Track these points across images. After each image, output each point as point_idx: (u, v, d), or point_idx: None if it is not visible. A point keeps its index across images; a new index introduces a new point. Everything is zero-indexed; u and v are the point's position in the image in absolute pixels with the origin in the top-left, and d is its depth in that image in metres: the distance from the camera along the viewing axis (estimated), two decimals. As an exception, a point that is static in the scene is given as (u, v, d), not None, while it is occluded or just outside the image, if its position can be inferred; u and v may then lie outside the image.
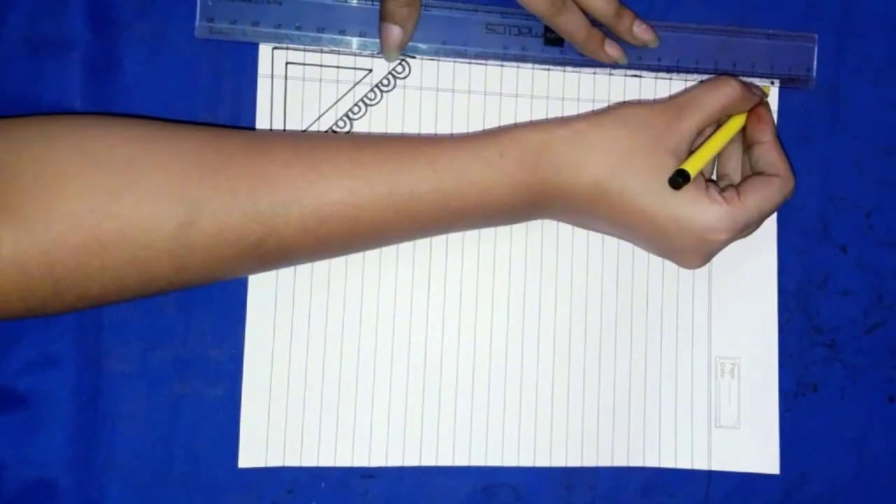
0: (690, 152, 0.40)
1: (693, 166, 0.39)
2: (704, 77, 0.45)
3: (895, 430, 0.46)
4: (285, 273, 0.42)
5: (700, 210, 0.39)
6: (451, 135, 0.44)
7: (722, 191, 0.40)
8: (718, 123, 0.42)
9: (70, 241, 0.34)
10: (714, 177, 0.44)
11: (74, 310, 0.37)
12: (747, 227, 0.40)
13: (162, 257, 0.35)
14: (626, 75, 0.45)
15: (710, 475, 0.45)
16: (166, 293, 0.38)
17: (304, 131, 0.43)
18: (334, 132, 0.43)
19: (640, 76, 0.45)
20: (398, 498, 0.43)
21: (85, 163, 0.34)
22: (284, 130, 0.43)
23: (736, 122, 0.42)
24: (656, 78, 0.45)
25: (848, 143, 0.46)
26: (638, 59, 0.44)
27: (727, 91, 0.41)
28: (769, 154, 0.42)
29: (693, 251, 0.40)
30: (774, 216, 0.45)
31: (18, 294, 0.34)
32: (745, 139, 0.43)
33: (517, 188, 0.39)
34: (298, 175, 0.37)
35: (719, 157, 0.43)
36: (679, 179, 0.38)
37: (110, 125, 0.37)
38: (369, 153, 0.38)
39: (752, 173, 0.42)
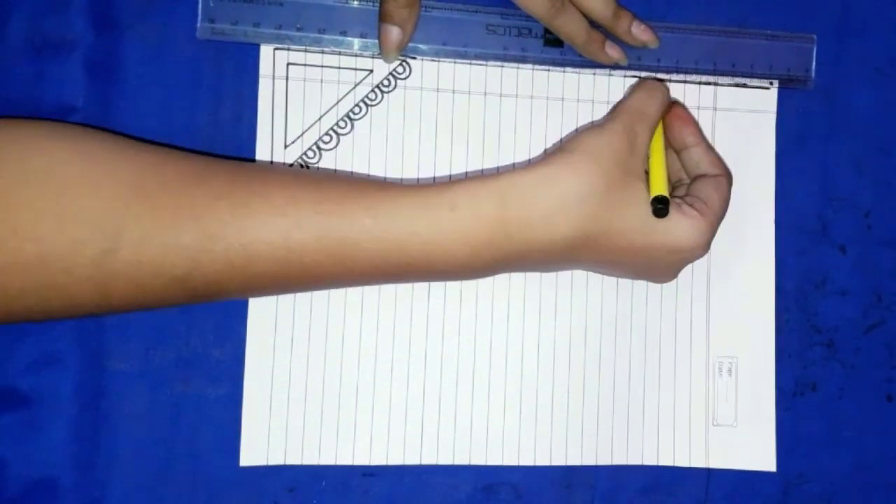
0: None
1: (663, 188, 0.38)
2: (703, 77, 0.45)
3: (893, 429, 0.46)
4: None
5: (684, 229, 0.38)
6: (403, 181, 0.43)
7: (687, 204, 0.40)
8: None
9: None
10: None
11: (5, 324, 0.36)
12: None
13: (83, 284, 0.34)
14: (625, 76, 0.45)
15: (709, 474, 0.45)
16: (99, 316, 0.37)
17: (256, 162, 0.42)
18: (335, 133, 0.43)
19: (640, 77, 0.45)
20: (399, 497, 0.43)
21: (19, 177, 0.33)
22: (239, 160, 0.42)
23: (659, 128, 0.42)
24: (656, 79, 0.45)
25: (847, 143, 0.47)
26: (637, 60, 0.44)
27: (661, 97, 0.41)
28: (708, 155, 0.42)
29: (673, 270, 0.41)
30: (772, 216, 0.46)
31: None
32: (672, 143, 0.43)
33: (475, 246, 0.36)
34: (227, 209, 0.35)
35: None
36: (661, 206, 0.37)
37: (62, 139, 0.35)
38: (308, 192, 0.36)
39: (693, 177, 0.42)
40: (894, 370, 0.46)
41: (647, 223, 0.38)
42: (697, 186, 0.41)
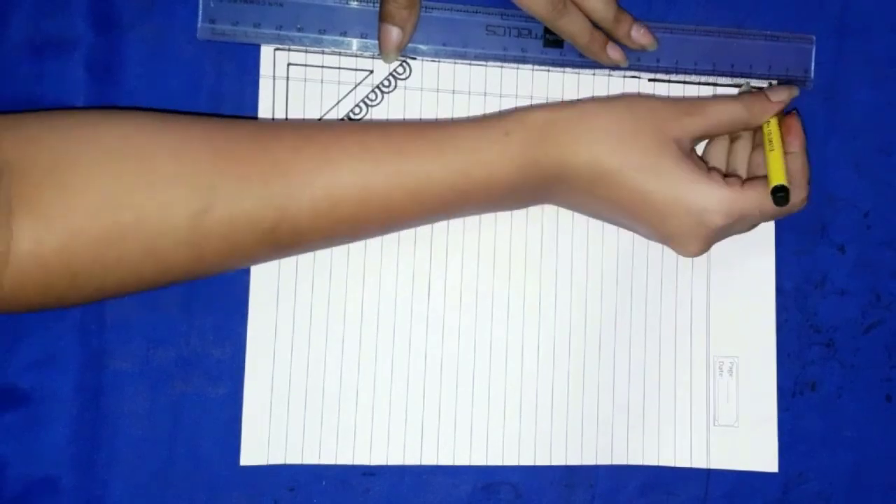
0: (702, 159, 0.42)
1: (781, 177, 0.40)
2: (703, 77, 0.45)
3: (893, 428, 0.46)
4: (287, 271, 0.43)
5: (699, 189, 0.39)
6: (454, 119, 0.44)
7: (726, 177, 0.41)
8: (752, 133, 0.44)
9: (87, 233, 0.34)
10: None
11: (91, 301, 0.37)
12: (745, 219, 0.40)
13: (179, 246, 0.35)
14: (624, 76, 0.45)
15: (709, 474, 0.45)
16: (181, 283, 0.38)
17: (309, 120, 0.43)
18: None
19: (639, 77, 0.45)
20: (399, 496, 0.43)
21: (98, 154, 0.34)
22: (287, 119, 0.43)
23: (773, 126, 0.42)
24: (655, 80, 0.45)
25: (846, 143, 0.47)
26: (637, 61, 0.44)
27: (734, 109, 0.41)
28: (793, 163, 0.42)
29: (691, 235, 0.40)
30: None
31: (37, 288, 0.34)
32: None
33: (523, 166, 0.39)
34: (309, 159, 0.37)
35: (728, 153, 0.44)
36: (780, 195, 0.39)
37: (122, 116, 0.37)
38: (376, 136, 0.39)
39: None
40: (893, 370, 0.46)
41: (661, 172, 0.39)
42: (759, 177, 0.41)
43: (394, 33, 0.41)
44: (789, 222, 0.46)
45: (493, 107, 0.44)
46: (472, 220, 0.44)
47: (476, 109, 0.44)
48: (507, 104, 0.44)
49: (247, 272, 0.42)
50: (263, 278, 0.43)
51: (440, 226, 0.44)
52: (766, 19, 0.46)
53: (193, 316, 0.42)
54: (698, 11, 0.46)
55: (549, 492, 0.44)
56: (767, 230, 0.46)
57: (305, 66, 0.43)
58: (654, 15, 0.45)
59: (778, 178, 0.40)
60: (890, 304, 0.47)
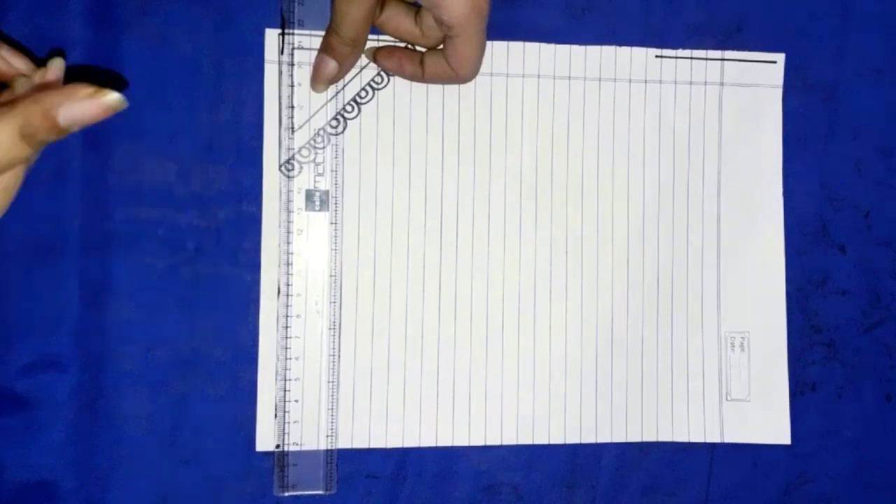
0: None
1: None
2: (710, 53, 0.45)
3: (893, 428, 0.46)
4: (299, 269, 0.42)
5: None
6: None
7: None
8: None
9: None
10: None
11: None
12: None
13: None
14: (632, 51, 0.45)
15: (709, 474, 0.45)
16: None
17: None
18: (343, 117, 0.43)
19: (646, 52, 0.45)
20: (400, 497, 0.43)
21: None
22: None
23: None
24: (661, 56, 0.45)
25: (847, 143, 0.47)
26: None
27: None
28: None
29: None
30: (780, 187, 0.46)
31: None
32: None
33: None
34: None
35: None
36: None
37: None
38: None
39: None
40: (894, 370, 0.47)
41: None
42: None
43: (330, 66, 0.40)
44: (790, 222, 0.46)
45: (499, 88, 0.44)
46: (482, 212, 0.44)
47: (483, 90, 0.44)
48: (515, 85, 0.44)
49: (254, 268, 0.42)
50: (272, 274, 0.42)
51: (458, 215, 0.44)
52: (768, 18, 0.46)
53: (193, 316, 0.42)
54: (698, 11, 0.46)
55: (550, 492, 0.44)
56: (776, 201, 0.45)
57: (311, 49, 0.42)
58: (653, 14, 0.45)
59: None
60: (890, 304, 0.47)
